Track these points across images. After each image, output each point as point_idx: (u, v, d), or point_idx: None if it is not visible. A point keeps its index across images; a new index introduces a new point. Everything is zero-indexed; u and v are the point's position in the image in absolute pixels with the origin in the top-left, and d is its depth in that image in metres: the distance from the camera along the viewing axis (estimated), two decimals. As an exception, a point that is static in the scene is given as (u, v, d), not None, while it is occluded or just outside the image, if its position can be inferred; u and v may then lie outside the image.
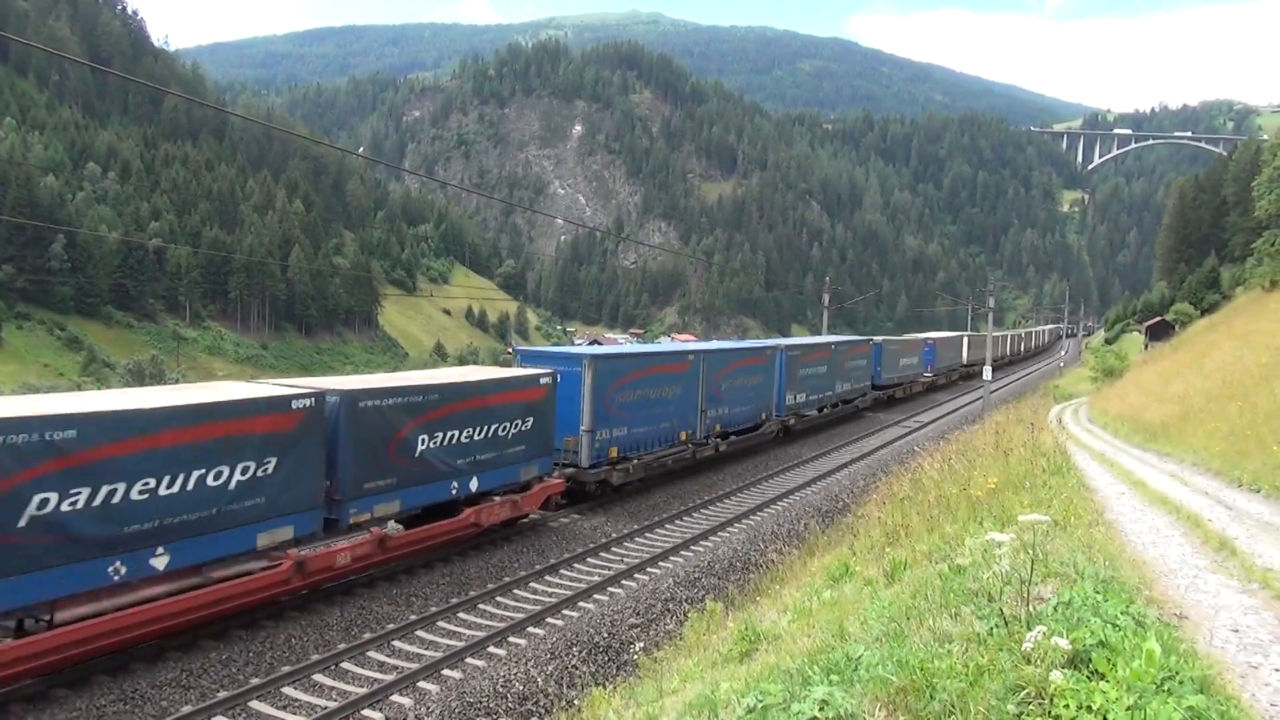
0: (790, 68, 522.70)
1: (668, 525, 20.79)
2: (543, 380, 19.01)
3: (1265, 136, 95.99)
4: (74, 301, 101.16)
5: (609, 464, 21.67)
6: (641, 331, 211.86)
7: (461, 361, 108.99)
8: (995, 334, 75.02)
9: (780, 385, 31.85)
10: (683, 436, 24.94)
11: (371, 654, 12.50)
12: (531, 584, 15.93)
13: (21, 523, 10.01)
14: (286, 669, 11.69)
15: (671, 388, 24.30)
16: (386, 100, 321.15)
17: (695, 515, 21.92)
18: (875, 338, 46.52)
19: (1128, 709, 3.60)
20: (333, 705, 10.72)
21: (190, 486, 11.73)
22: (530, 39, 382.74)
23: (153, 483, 11.25)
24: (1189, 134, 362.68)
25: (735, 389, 28.21)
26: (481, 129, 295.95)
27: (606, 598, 15.30)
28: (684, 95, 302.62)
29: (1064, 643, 4.15)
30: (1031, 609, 4.99)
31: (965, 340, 68.40)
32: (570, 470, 20.76)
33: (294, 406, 13.19)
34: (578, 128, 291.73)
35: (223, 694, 10.85)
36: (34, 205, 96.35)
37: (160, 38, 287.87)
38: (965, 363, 67.25)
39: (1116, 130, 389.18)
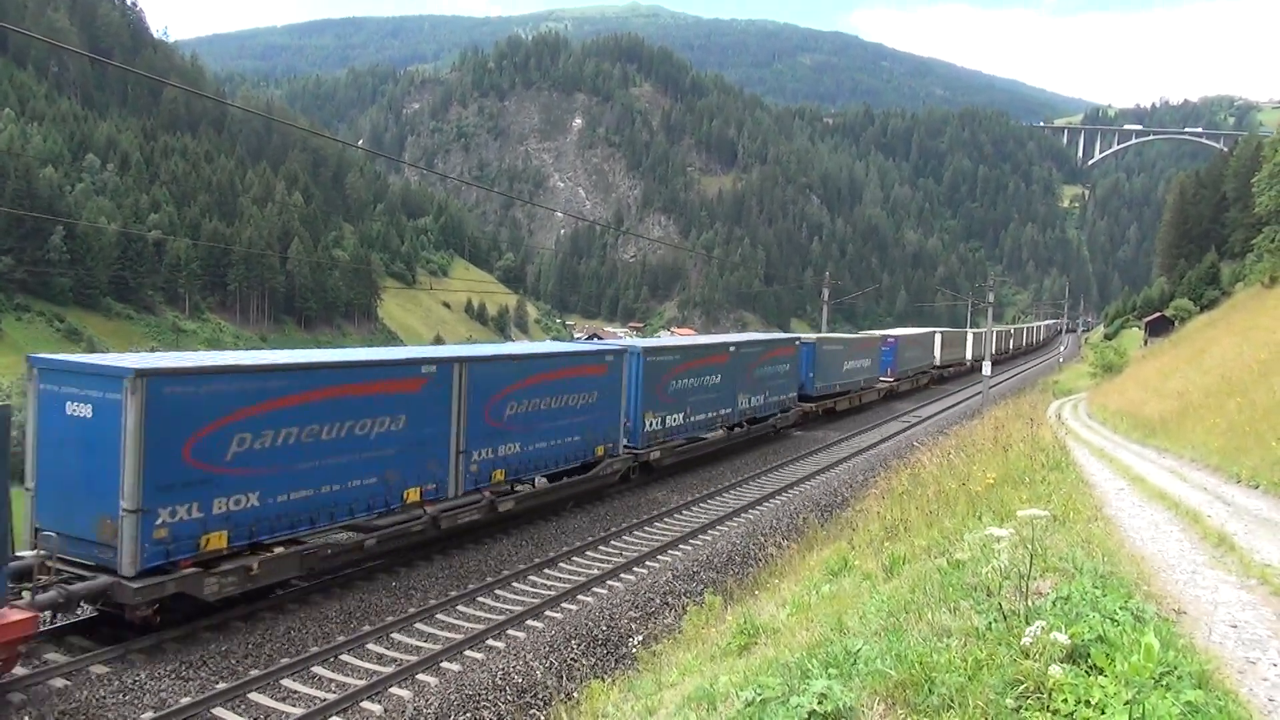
0: (791, 61, 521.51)
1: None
2: None
3: (1266, 132, 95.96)
4: (73, 293, 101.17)
5: (201, 564, 12.16)
6: (641, 325, 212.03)
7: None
8: (980, 331, 73.09)
9: (634, 404, 22.74)
10: (411, 496, 15.47)
11: (371, 646, 12.52)
12: (530, 577, 15.95)
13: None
14: (285, 661, 11.71)
15: (385, 420, 14.88)
16: (386, 93, 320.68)
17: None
18: (807, 335, 38.55)
19: (1126, 703, 3.60)
20: (332, 697, 10.74)
21: None
22: (530, 31, 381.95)
23: None
24: (1190, 130, 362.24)
25: (539, 414, 18.93)
26: (481, 122, 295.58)
27: (605, 591, 15.33)
28: (684, 88, 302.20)
29: (1063, 637, 4.16)
30: (1030, 604, 5.00)
31: (938, 338, 60.30)
32: (97, 584, 11.27)
33: None
34: (578, 121, 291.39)
35: (222, 685, 10.87)
36: (33, 197, 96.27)
37: (159, 29, 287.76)
38: (939, 364, 59.72)
39: (1117, 126, 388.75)
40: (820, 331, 50.87)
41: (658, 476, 24.48)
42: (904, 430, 36.36)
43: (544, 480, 19.90)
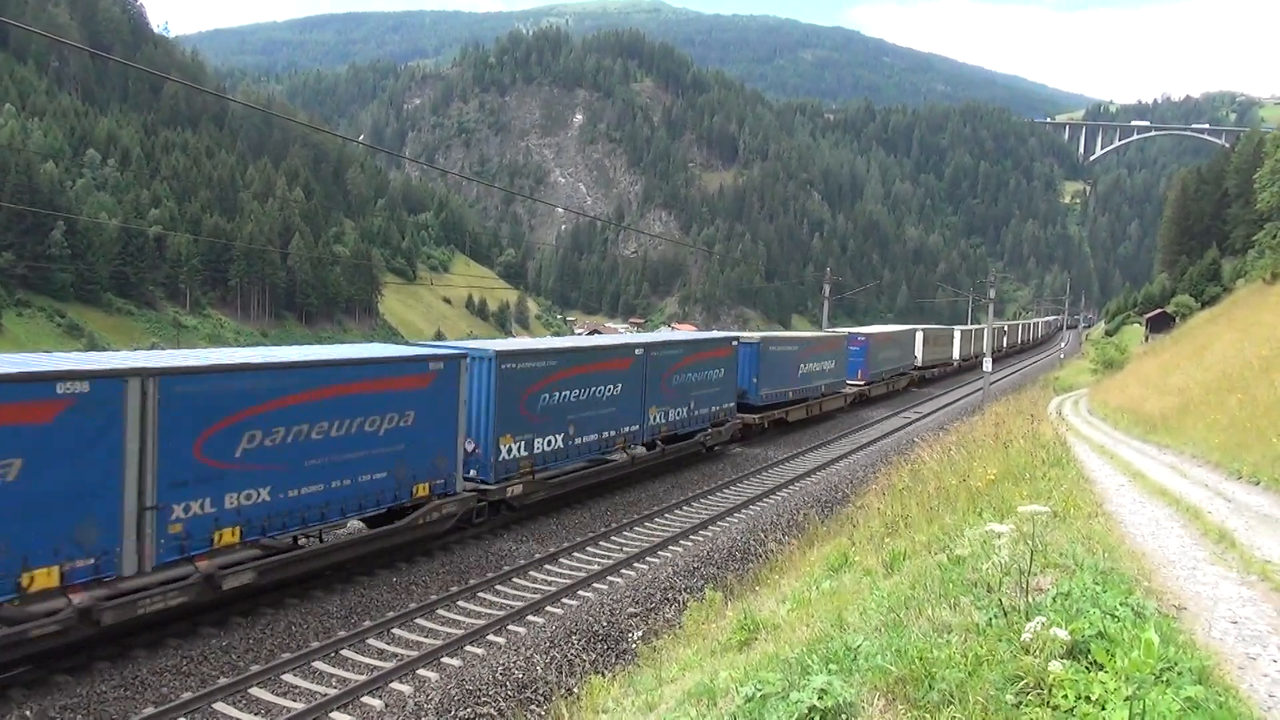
0: (792, 57, 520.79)
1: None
2: None
3: (1268, 128, 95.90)
4: (74, 289, 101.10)
5: None
6: (642, 321, 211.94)
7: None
8: (970, 329, 69.72)
9: (482, 426, 17.58)
10: (38, 580, 10.25)
11: (372, 641, 12.54)
12: (531, 572, 15.96)
13: None
14: (287, 656, 11.72)
15: None
16: (387, 88, 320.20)
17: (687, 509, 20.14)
18: (749, 335, 33.03)
19: (1126, 699, 3.61)
20: (333, 692, 10.76)
21: None
22: (531, 27, 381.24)
23: None
24: (1192, 125, 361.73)
25: (309, 445, 13.44)
26: (482, 117, 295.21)
27: (606, 586, 15.35)
28: (685, 84, 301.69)
29: (1063, 633, 4.16)
30: (1030, 600, 5.00)
31: (919, 336, 54.68)
32: None
33: None
34: (579, 116, 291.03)
35: (223, 680, 10.89)
36: (34, 192, 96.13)
37: (160, 24, 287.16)
38: (921, 364, 54.80)
39: (1119, 122, 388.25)
40: (821, 328, 50.06)
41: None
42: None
43: (361, 525, 15.67)
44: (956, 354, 64.67)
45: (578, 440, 20.43)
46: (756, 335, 32.89)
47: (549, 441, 19.36)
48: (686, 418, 25.47)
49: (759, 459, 28.10)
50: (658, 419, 23.95)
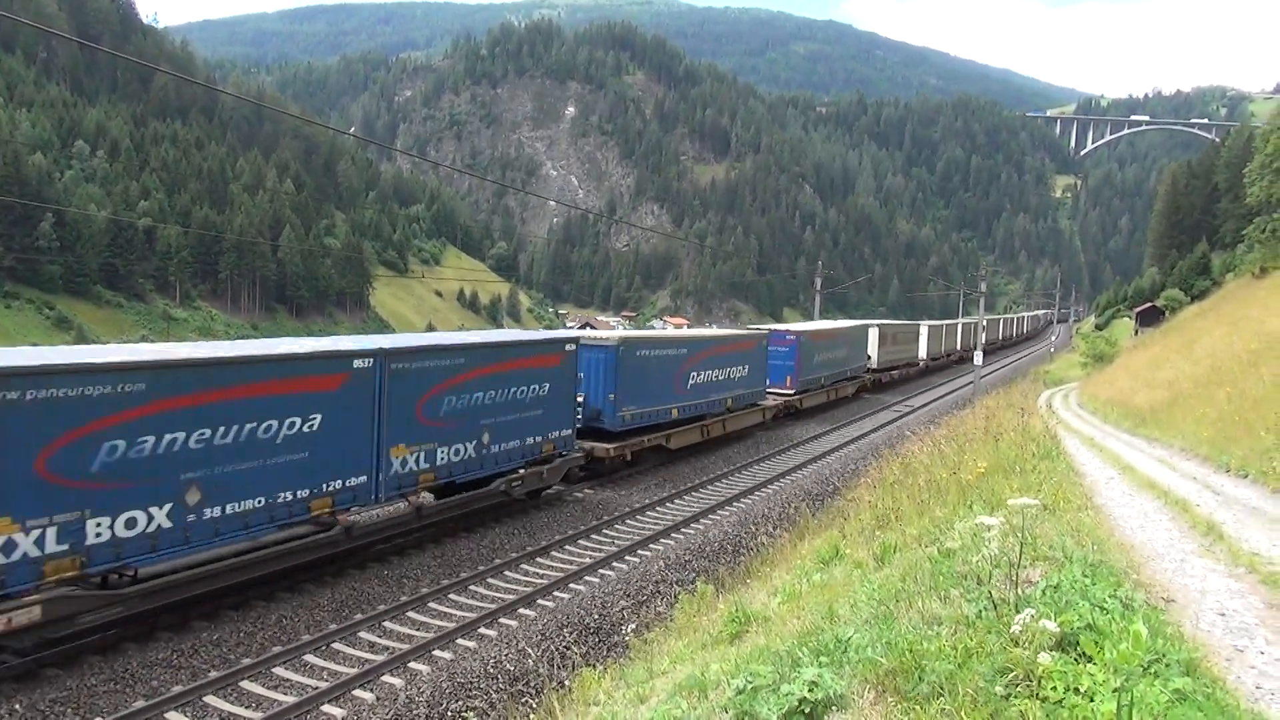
0: (784, 50, 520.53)
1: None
2: None
3: (1258, 123, 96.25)
4: (63, 281, 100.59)
5: None
6: (634, 314, 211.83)
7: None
8: (940, 324, 65.58)
9: None
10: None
11: (363, 634, 12.52)
12: (523, 565, 15.96)
13: None
14: (278, 649, 11.71)
15: None
16: (378, 80, 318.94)
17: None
18: (604, 334, 25.88)
19: (1115, 691, 3.62)
20: (324, 685, 10.75)
21: None
22: (523, 19, 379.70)
23: None
24: (1182, 120, 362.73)
25: None
26: (474, 109, 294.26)
27: (597, 580, 15.36)
28: (677, 77, 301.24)
29: (1052, 625, 4.17)
30: (1020, 592, 5.02)
31: (873, 334, 47.26)
32: None
33: None
34: (570, 109, 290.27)
35: (214, 674, 10.86)
36: (22, 184, 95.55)
37: (149, 15, 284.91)
38: (876, 366, 47.42)
39: (1110, 116, 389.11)
40: (813, 321, 48.79)
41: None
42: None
43: None
44: (923, 353, 57.63)
45: (211, 512, 12.02)
46: (614, 335, 24.87)
47: (135, 520, 11.07)
48: (476, 457, 17.26)
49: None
50: (413, 463, 15.66)
